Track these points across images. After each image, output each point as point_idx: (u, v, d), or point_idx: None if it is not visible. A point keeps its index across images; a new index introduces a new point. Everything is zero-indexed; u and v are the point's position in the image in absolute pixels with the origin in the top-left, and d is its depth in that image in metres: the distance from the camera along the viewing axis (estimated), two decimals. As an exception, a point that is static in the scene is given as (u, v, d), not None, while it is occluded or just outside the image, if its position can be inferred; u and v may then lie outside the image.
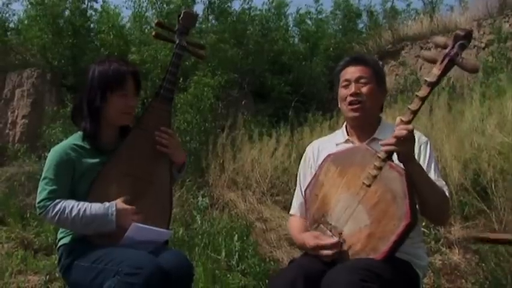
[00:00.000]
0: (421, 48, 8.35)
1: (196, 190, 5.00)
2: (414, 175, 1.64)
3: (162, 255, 1.84)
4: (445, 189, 1.78)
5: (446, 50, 1.63)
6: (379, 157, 1.65)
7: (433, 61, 1.66)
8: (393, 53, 8.86)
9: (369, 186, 1.65)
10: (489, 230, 3.32)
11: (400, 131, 1.60)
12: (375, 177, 1.65)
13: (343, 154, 1.81)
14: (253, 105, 8.02)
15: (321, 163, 1.85)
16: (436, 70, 1.63)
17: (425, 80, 1.65)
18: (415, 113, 1.64)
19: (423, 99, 1.64)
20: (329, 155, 1.84)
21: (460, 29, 1.65)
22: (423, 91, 1.64)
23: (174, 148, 2.05)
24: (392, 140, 1.61)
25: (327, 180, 1.79)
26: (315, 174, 1.85)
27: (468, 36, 1.62)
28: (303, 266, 1.66)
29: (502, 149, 3.76)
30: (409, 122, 1.64)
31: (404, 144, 1.60)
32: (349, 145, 1.91)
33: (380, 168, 1.64)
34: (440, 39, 1.69)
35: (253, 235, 4.04)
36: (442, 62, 1.62)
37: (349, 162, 1.75)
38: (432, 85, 1.64)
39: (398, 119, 1.66)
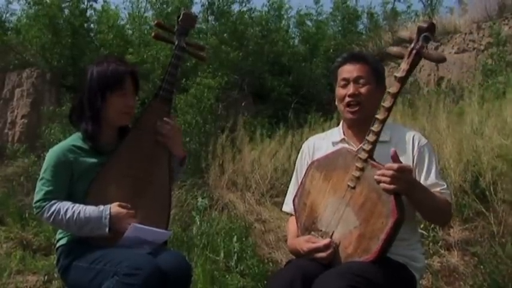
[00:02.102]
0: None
1: (195, 191, 5.00)
2: (418, 199, 1.66)
3: (160, 256, 1.85)
4: (447, 192, 1.78)
5: (412, 44, 1.63)
6: (360, 158, 1.66)
7: (400, 56, 1.67)
8: (393, 55, 8.85)
9: (354, 188, 1.65)
10: (488, 232, 3.32)
11: (379, 177, 1.59)
12: (358, 178, 1.65)
13: (325, 159, 1.80)
14: (253, 107, 8.02)
15: (306, 171, 1.85)
16: (404, 65, 1.64)
17: (395, 76, 1.65)
18: (389, 110, 1.64)
19: (395, 96, 1.64)
20: (312, 162, 1.84)
21: (422, 21, 1.68)
22: (394, 87, 1.64)
23: (174, 140, 2.05)
24: (388, 187, 1.58)
25: (313, 187, 1.79)
26: (301, 182, 1.85)
27: (431, 28, 1.63)
28: (300, 267, 1.65)
29: (501, 152, 3.76)
30: (384, 120, 1.64)
31: (398, 182, 1.57)
32: (344, 145, 1.89)
33: (362, 169, 1.65)
34: (404, 33, 1.71)
35: (252, 236, 4.04)
36: (409, 56, 1.63)
37: (332, 166, 1.75)
38: (402, 80, 1.64)
39: (374, 120, 1.66)
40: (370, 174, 1.62)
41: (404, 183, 1.58)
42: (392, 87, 1.64)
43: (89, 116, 1.98)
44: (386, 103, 1.64)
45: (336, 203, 1.69)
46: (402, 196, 1.61)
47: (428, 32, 1.62)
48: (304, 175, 1.84)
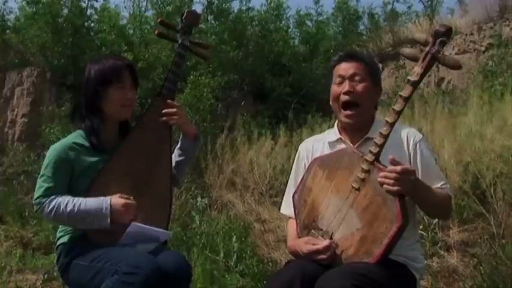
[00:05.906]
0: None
1: (195, 191, 5.00)
2: (421, 198, 1.65)
3: (160, 255, 1.85)
4: (448, 187, 1.77)
5: (427, 48, 1.59)
6: (367, 160, 1.63)
7: (414, 59, 1.63)
8: (393, 56, 8.87)
9: (358, 189, 1.63)
10: (488, 233, 3.32)
11: (382, 179, 1.57)
12: (363, 180, 1.63)
13: (329, 157, 1.78)
14: (253, 106, 8.01)
15: (308, 168, 1.82)
16: (418, 68, 1.59)
17: (408, 80, 1.61)
18: (399, 113, 1.61)
19: (406, 99, 1.61)
20: (315, 159, 1.81)
21: (440, 25, 1.62)
22: (406, 90, 1.60)
23: (183, 119, 2.06)
24: (392, 189, 1.57)
25: (315, 184, 1.77)
26: (302, 179, 1.83)
27: (448, 32, 1.59)
28: (300, 267, 1.65)
29: (502, 153, 3.76)
30: (393, 123, 1.61)
31: (402, 184, 1.56)
32: (340, 145, 1.86)
33: (368, 171, 1.62)
34: (420, 36, 1.66)
35: (252, 236, 4.04)
36: (423, 59, 1.59)
37: (336, 165, 1.73)
38: (415, 84, 1.60)
39: (384, 121, 1.63)
40: (376, 177, 1.60)
41: (407, 184, 1.57)
42: (404, 90, 1.61)
43: (91, 113, 1.98)
44: (397, 106, 1.61)
45: (338, 203, 1.67)
46: (406, 198, 1.61)
47: (446, 36, 1.58)
48: (306, 172, 1.82)
